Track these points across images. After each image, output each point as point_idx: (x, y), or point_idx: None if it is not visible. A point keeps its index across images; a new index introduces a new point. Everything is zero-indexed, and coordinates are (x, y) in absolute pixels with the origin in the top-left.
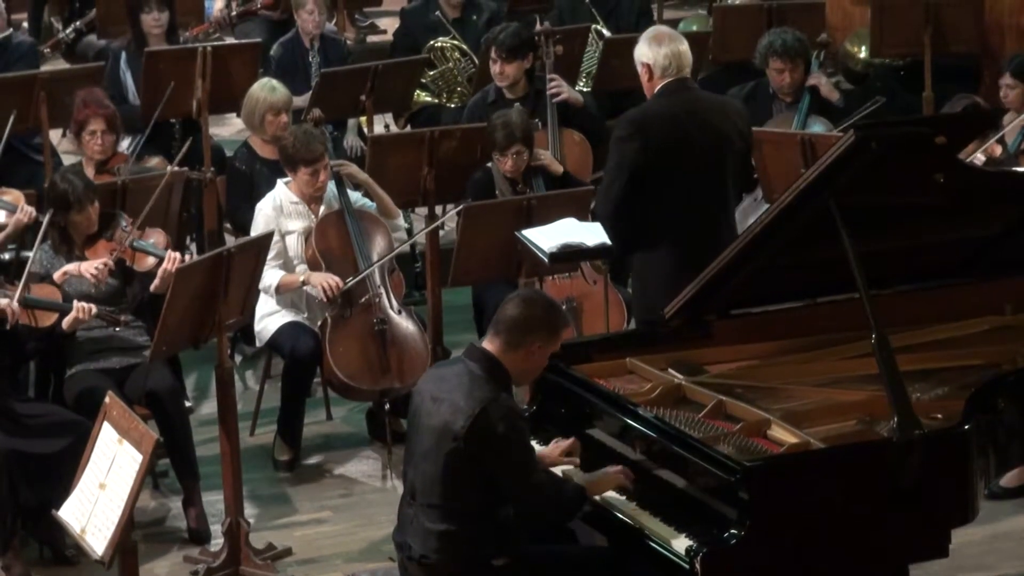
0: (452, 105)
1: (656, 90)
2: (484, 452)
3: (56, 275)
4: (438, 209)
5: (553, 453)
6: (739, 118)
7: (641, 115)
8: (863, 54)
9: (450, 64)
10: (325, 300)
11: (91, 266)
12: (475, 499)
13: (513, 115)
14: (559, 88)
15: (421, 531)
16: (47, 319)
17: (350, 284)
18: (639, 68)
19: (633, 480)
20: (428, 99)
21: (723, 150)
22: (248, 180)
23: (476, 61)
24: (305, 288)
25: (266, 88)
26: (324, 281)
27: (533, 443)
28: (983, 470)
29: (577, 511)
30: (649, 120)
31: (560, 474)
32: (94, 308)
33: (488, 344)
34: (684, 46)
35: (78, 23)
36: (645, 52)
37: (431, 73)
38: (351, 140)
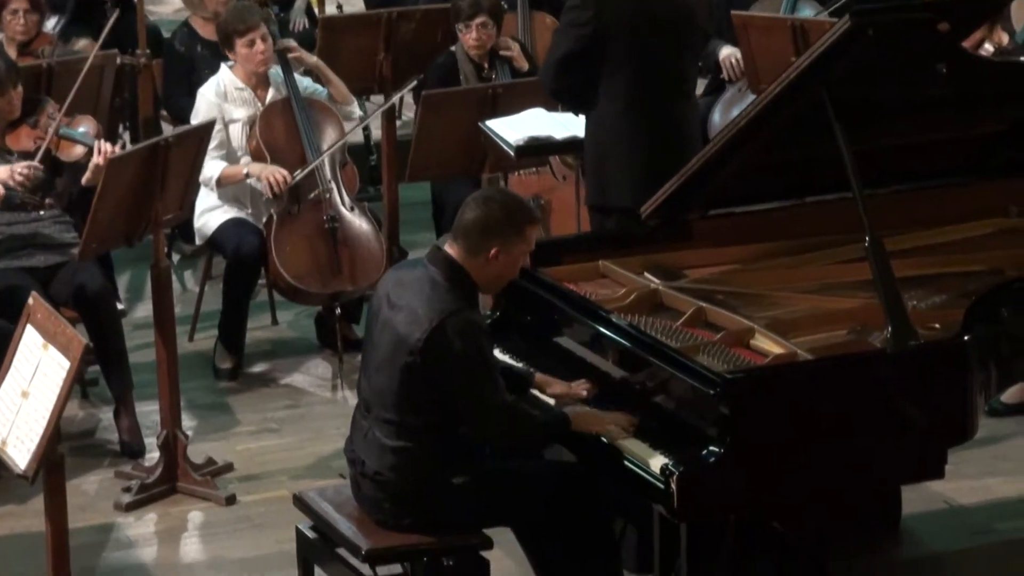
0: None
1: None
2: (440, 368)
3: None
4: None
5: (562, 387)
6: None
7: None
8: None
9: None
10: (270, 195)
11: (16, 171)
12: (433, 416)
13: None
14: None
15: (376, 446)
16: None
17: (298, 178)
18: None
19: (634, 426)
20: None
21: (681, 23)
22: (188, 64)
23: None
24: (248, 181)
25: None
26: (270, 174)
27: (555, 381)
28: (983, 385)
29: (550, 441)
30: None
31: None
32: None
33: (449, 249)
34: None
35: None
36: None
37: None
38: (299, 21)
